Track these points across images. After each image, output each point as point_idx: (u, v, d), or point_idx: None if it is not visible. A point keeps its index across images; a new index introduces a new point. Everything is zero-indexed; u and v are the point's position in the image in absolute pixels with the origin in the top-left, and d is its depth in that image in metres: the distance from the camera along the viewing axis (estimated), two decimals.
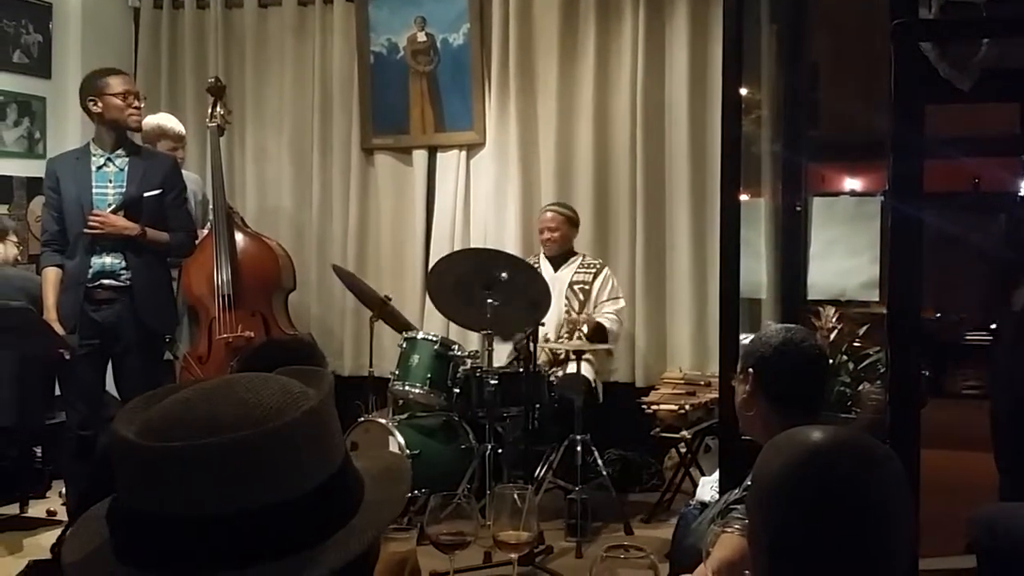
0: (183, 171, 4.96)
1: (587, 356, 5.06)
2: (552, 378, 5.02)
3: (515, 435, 4.80)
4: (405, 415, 5.00)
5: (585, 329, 5.22)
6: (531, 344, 4.66)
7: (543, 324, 4.82)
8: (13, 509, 5.03)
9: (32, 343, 4.53)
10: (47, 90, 5.99)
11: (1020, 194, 8.37)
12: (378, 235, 6.25)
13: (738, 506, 2.17)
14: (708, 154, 5.48)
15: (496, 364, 4.82)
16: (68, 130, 5.93)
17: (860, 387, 4.04)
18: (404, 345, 4.97)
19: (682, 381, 5.30)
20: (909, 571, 1.89)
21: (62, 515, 4.81)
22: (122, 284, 4.41)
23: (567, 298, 5.35)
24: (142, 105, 4.55)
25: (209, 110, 5.40)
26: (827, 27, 5.57)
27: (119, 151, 4.47)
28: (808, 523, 1.27)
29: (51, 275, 4.44)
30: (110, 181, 4.44)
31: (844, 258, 4.55)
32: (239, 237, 5.35)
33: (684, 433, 4.90)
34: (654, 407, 4.95)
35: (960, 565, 3.44)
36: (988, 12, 2.66)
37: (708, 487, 3.48)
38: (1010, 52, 2.70)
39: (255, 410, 0.99)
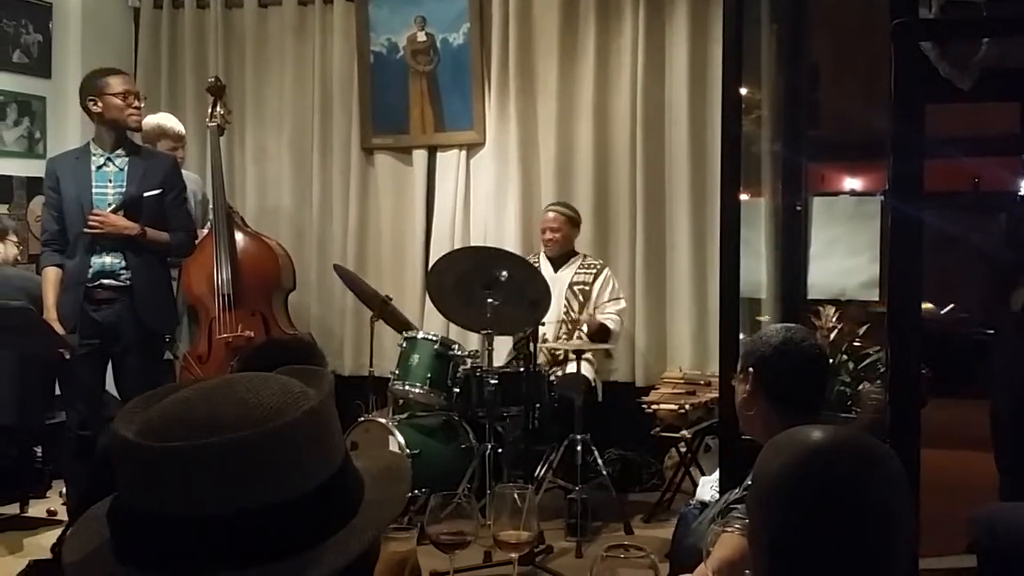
0: (183, 171, 4.96)
1: (587, 356, 5.07)
2: (552, 378, 5.02)
3: (515, 435, 4.80)
4: (405, 415, 5.00)
5: (585, 329, 5.22)
6: (531, 343, 4.66)
7: (543, 324, 4.82)
8: (13, 509, 5.03)
9: (32, 343, 4.53)
10: (47, 90, 5.99)
11: (1020, 194, 8.37)
12: (378, 235, 6.25)
13: (738, 506, 2.17)
14: (708, 154, 5.48)
15: (496, 364, 4.82)
16: (68, 130, 5.93)
17: (860, 387, 4.04)
18: (404, 345, 4.97)
19: (682, 381, 5.30)
20: (909, 571, 1.89)
21: (62, 515, 4.81)
22: (122, 284, 4.41)
23: (567, 299, 5.35)
24: (142, 105, 4.55)
25: (209, 110, 5.40)
26: (827, 27, 5.57)
27: (119, 151, 4.47)
28: (808, 523, 1.27)
29: (51, 275, 4.45)
30: (110, 181, 4.44)
31: (844, 258, 4.55)
32: (239, 237, 5.35)
33: (684, 433, 4.90)
34: (654, 407, 4.95)
35: (960, 565, 3.44)
36: (988, 12, 2.66)
37: (708, 487, 3.48)
38: (1011, 52, 2.69)
39: (255, 410, 0.98)
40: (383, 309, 5.24)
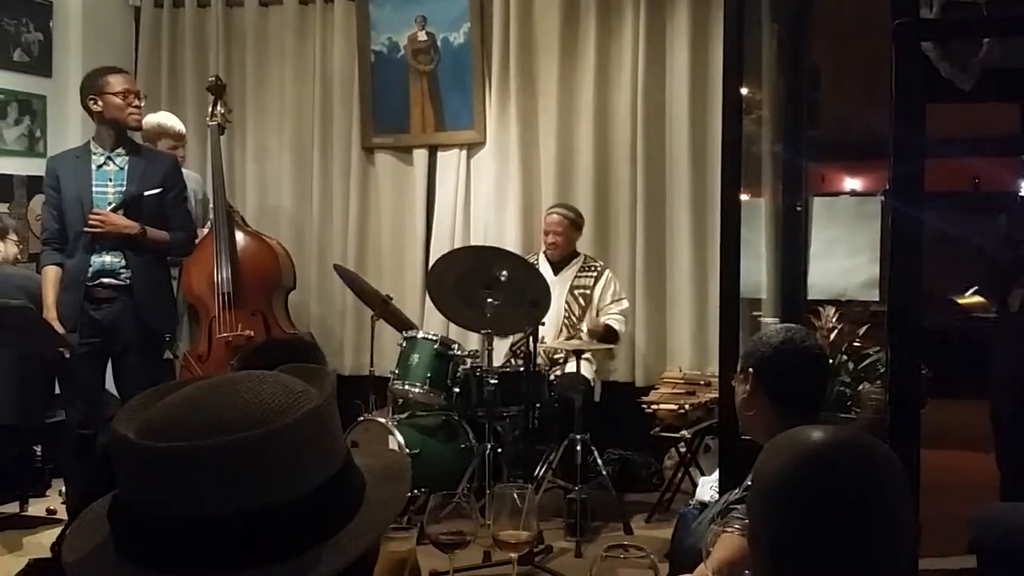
0: (183, 170, 4.96)
1: (586, 356, 5.06)
2: (552, 377, 5.02)
3: (515, 434, 4.80)
4: (405, 414, 5.00)
5: (585, 329, 5.21)
6: (531, 343, 4.66)
7: (543, 323, 4.81)
8: (13, 507, 5.03)
9: (32, 341, 4.54)
10: (47, 89, 5.99)
11: (1021, 194, 8.37)
12: (378, 234, 6.25)
13: (738, 506, 2.17)
14: (709, 154, 5.48)
15: (496, 364, 4.82)
16: (68, 129, 5.93)
17: (860, 387, 4.04)
18: (404, 344, 4.97)
19: (682, 381, 5.30)
20: (909, 571, 1.89)
21: (62, 514, 4.81)
22: (122, 283, 4.41)
23: (567, 303, 5.34)
24: (142, 104, 4.55)
25: (209, 109, 5.40)
26: (828, 27, 5.57)
27: (119, 150, 4.47)
28: (808, 523, 1.27)
29: (51, 273, 4.45)
30: (110, 180, 4.44)
31: (844, 258, 4.55)
32: (239, 236, 5.35)
33: (684, 433, 4.90)
34: (654, 407, 4.96)
35: (961, 565, 3.44)
36: (989, 12, 2.66)
37: (708, 487, 3.48)
38: (1011, 51, 2.69)
39: (256, 410, 0.98)
40: (383, 308, 5.24)
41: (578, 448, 4.67)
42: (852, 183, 10.41)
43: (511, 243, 5.80)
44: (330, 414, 1.04)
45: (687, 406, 4.90)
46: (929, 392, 3.58)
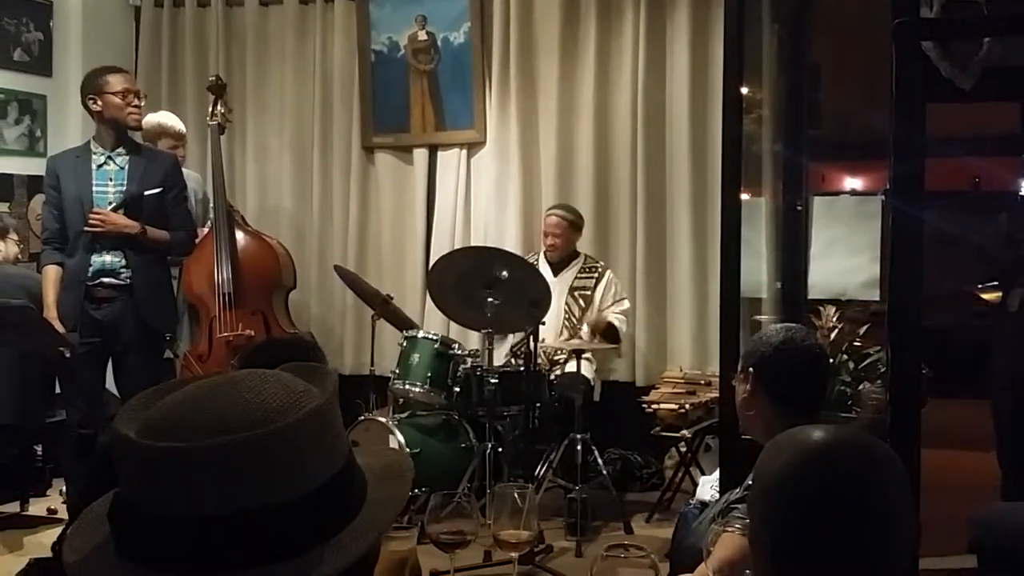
0: (183, 169, 4.96)
1: (586, 356, 5.06)
2: (552, 377, 5.02)
3: (515, 434, 4.80)
4: (405, 414, 5.00)
5: (586, 329, 5.20)
6: (531, 343, 4.66)
7: (544, 323, 4.81)
8: (14, 507, 5.03)
9: (32, 341, 4.54)
10: (48, 88, 5.99)
11: (1021, 193, 8.37)
12: (378, 234, 6.25)
13: (739, 505, 2.17)
14: (709, 153, 5.48)
15: (496, 363, 4.82)
16: (69, 128, 5.93)
17: (860, 386, 4.04)
18: (404, 344, 4.97)
19: (682, 380, 5.30)
20: (910, 570, 1.89)
21: (62, 513, 4.81)
22: (122, 282, 4.41)
23: (567, 304, 5.33)
24: (142, 104, 4.54)
25: (210, 108, 5.40)
26: (828, 26, 5.57)
27: (119, 149, 4.47)
28: (809, 523, 1.27)
29: (51, 273, 4.45)
30: (111, 179, 4.44)
31: (845, 257, 4.55)
32: (239, 235, 5.35)
33: (684, 432, 4.90)
34: (654, 406, 4.95)
35: (961, 565, 3.44)
36: (989, 11, 2.66)
37: (708, 486, 3.48)
38: (1012, 51, 2.69)
39: (257, 410, 0.98)
40: (384, 308, 5.24)
41: (578, 448, 4.67)
42: (852, 182, 10.41)
43: (511, 243, 5.80)
44: (332, 413, 1.04)
45: (687, 406, 4.90)
46: (943, 391, 3.59)
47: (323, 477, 0.99)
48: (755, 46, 4.30)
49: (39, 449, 5.40)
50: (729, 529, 2.06)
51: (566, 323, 5.33)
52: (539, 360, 5.00)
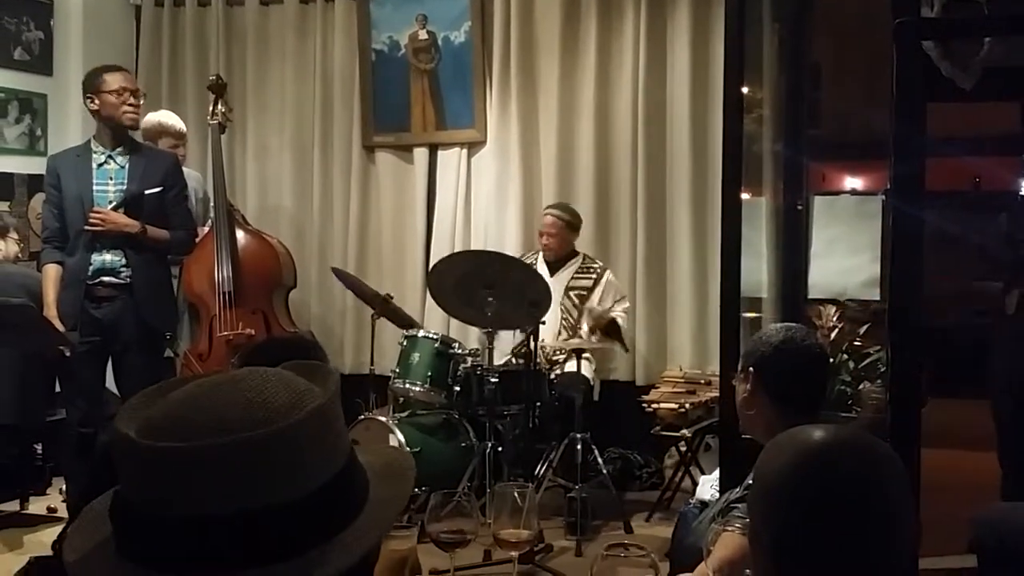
0: (184, 168, 4.96)
1: (586, 355, 5.06)
2: (552, 376, 5.02)
3: (515, 433, 4.80)
4: (405, 413, 5.00)
5: (585, 328, 5.20)
6: (532, 342, 4.66)
7: (544, 323, 4.81)
8: (14, 506, 5.03)
9: (33, 340, 4.53)
10: (48, 87, 5.99)
11: (1021, 193, 8.37)
12: (379, 233, 6.25)
13: (739, 505, 2.17)
14: (709, 153, 5.48)
15: (496, 362, 4.82)
16: (69, 127, 5.93)
17: (861, 386, 4.05)
18: (404, 343, 4.97)
19: (682, 380, 5.30)
20: (910, 570, 1.89)
21: (62, 512, 4.82)
22: (122, 281, 4.41)
23: (563, 305, 5.32)
24: (140, 103, 4.51)
25: (210, 108, 5.40)
26: (829, 26, 5.57)
27: (119, 148, 4.47)
28: (809, 522, 1.27)
29: (51, 272, 4.45)
30: (111, 178, 4.44)
31: (845, 257, 4.54)
32: (240, 234, 5.35)
33: (684, 432, 4.90)
34: (654, 405, 4.96)
35: (961, 564, 3.44)
36: (990, 11, 2.66)
37: (708, 486, 3.48)
38: (1012, 51, 2.69)
39: (259, 410, 0.97)
40: (384, 307, 5.24)
41: (578, 447, 4.67)
42: (853, 182, 10.41)
43: (511, 242, 5.80)
44: (334, 413, 1.04)
45: (687, 405, 4.90)
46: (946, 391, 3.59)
47: (325, 477, 0.99)
48: (756, 45, 4.29)
49: (39, 448, 5.40)
50: (729, 528, 2.07)
51: (564, 323, 5.32)
52: (538, 360, 5.00)
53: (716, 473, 3.36)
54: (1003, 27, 2.70)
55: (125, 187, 4.42)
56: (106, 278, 4.40)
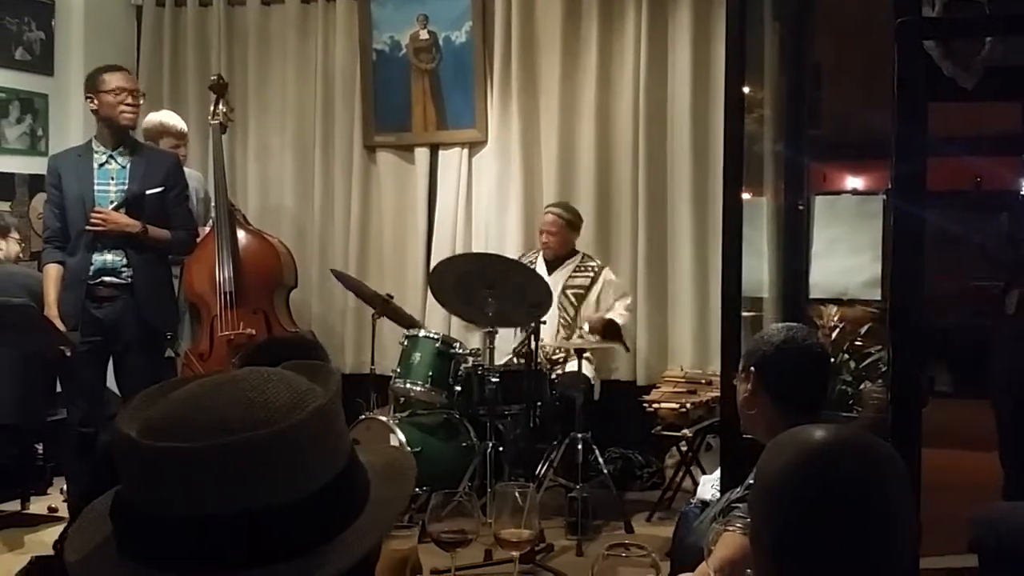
0: (185, 168, 4.96)
1: (587, 355, 5.06)
2: (553, 376, 5.02)
3: (516, 433, 4.80)
4: (406, 413, 5.00)
5: (587, 327, 5.20)
6: (532, 341, 4.66)
7: (545, 322, 4.81)
8: (15, 505, 5.04)
9: (33, 340, 4.53)
10: (49, 87, 5.99)
11: (1022, 193, 8.36)
12: (380, 233, 6.25)
13: (740, 505, 2.17)
14: (710, 153, 5.48)
15: (497, 362, 4.82)
16: (70, 127, 5.94)
17: (862, 386, 4.04)
18: (405, 343, 4.97)
19: (683, 379, 5.30)
20: (911, 570, 1.89)
21: (63, 512, 4.82)
22: (123, 281, 4.41)
23: (560, 303, 5.32)
24: (138, 102, 4.49)
25: (211, 107, 5.40)
26: (830, 25, 5.56)
27: (120, 148, 4.47)
28: (810, 522, 1.27)
29: (52, 272, 4.45)
30: (112, 178, 4.44)
31: (846, 257, 4.54)
32: (241, 234, 5.35)
33: (685, 431, 4.90)
34: (655, 405, 4.96)
35: (962, 564, 3.44)
36: (991, 10, 2.66)
37: (709, 486, 3.48)
38: (1013, 50, 2.69)
39: (260, 410, 0.97)
40: (385, 307, 5.24)
41: (579, 447, 4.67)
42: (854, 182, 10.39)
43: (512, 242, 5.80)
44: (335, 413, 1.04)
45: (688, 405, 4.90)
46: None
47: (326, 477, 0.99)
48: (757, 45, 4.29)
49: (40, 448, 5.41)
50: (730, 528, 2.06)
51: (561, 321, 5.32)
52: (539, 360, 5.00)
53: (717, 473, 3.36)
54: (1004, 26, 2.70)
55: (126, 187, 4.42)
56: (107, 278, 4.40)
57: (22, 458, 5.22)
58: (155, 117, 5.37)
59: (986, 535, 3.08)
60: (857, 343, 4.27)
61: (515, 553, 2.08)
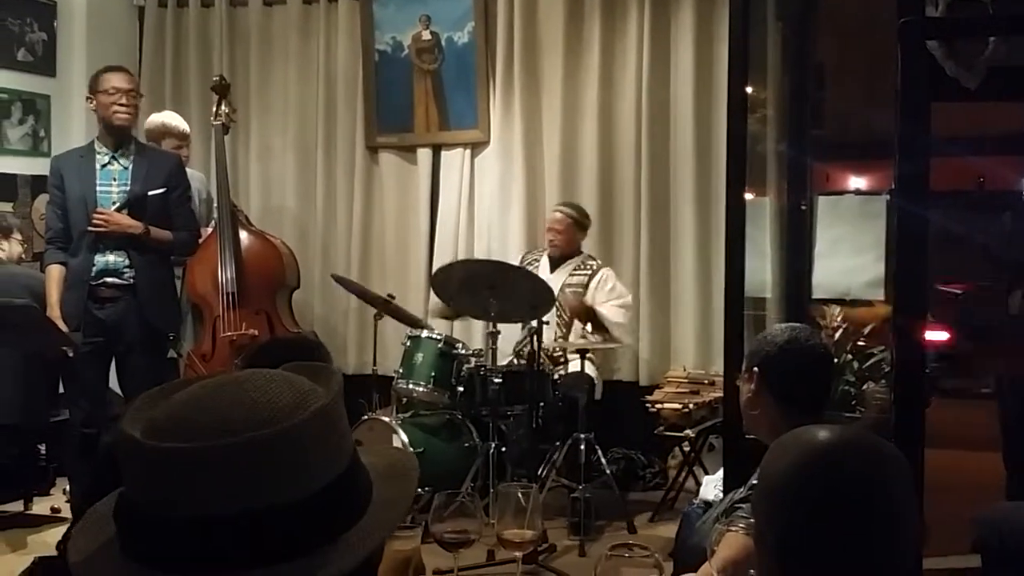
0: (187, 169, 4.96)
1: (589, 355, 5.06)
2: (556, 376, 5.02)
3: (519, 433, 4.79)
4: (409, 413, 5.00)
5: (577, 324, 5.19)
6: (535, 342, 4.65)
7: (547, 322, 4.81)
8: (17, 506, 5.04)
9: (36, 340, 4.54)
10: (52, 88, 5.99)
11: None
12: (382, 233, 6.25)
13: (743, 505, 2.17)
14: (713, 153, 5.48)
15: (500, 363, 4.82)
16: (72, 128, 5.94)
17: (865, 386, 4.04)
18: (408, 343, 4.97)
19: (686, 380, 5.29)
20: (914, 570, 1.89)
21: (66, 512, 4.82)
22: (125, 282, 4.41)
23: (558, 300, 5.31)
24: (133, 103, 4.47)
25: (214, 108, 5.41)
26: (833, 26, 5.56)
27: (122, 149, 4.47)
28: (814, 522, 1.26)
29: (55, 272, 4.45)
30: (114, 179, 4.44)
31: (849, 257, 4.54)
32: (243, 235, 5.35)
33: (688, 432, 4.89)
34: (658, 406, 4.95)
35: (965, 564, 3.44)
36: (995, 10, 2.65)
37: (712, 486, 3.48)
38: (1017, 50, 2.68)
39: (264, 410, 0.97)
40: (387, 307, 5.24)
41: (582, 447, 4.66)
42: (857, 182, 10.39)
43: (515, 242, 5.80)
44: (337, 413, 1.04)
45: (691, 405, 4.89)
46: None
47: (328, 477, 0.99)
48: (760, 45, 4.29)
49: (43, 448, 5.40)
50: (733, 529, 2.06)
51: (559, 319, 5.32)
52: (542, 360, 5.00)
53: (720, 473, 3.36)
54: (1008, 26, 2.70)
55: (128, 188, 4.42)
56: (109, 279, 4.41)
57: (24, 459, 5.22)
58: (157, 118, 5.37)
59: (989, 535, 3.07)
60: (860, 343, 4.27)
61: (518, 554, 2.08)
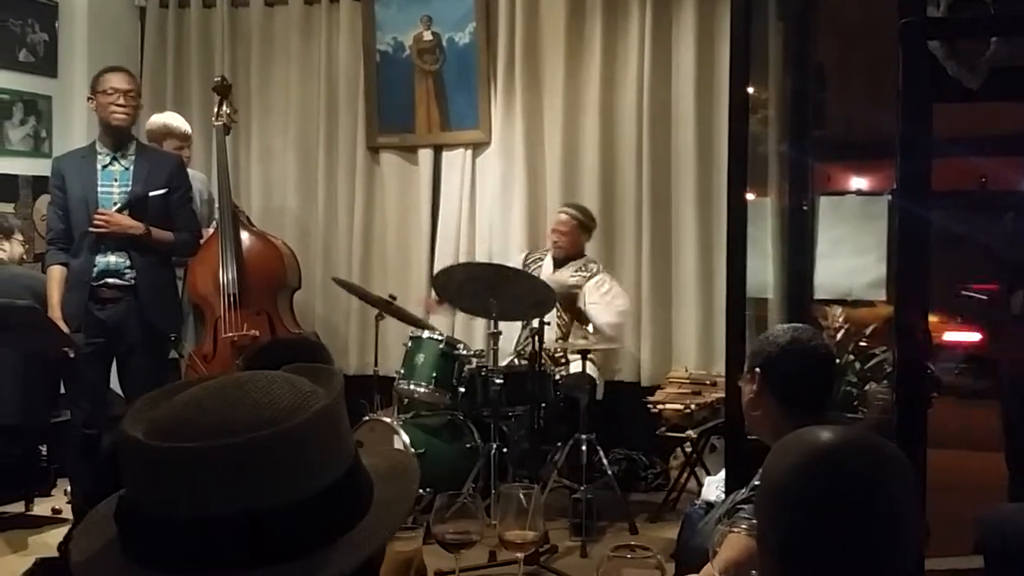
0: (189, 170, 4.96)
1: (591, 356, 5.06)
2: (557, 377, 5.02)
3: (520, 434, 4.80)
4: (410, 414, 5.00)
5: (567, 316, 5.19)
6: (536, 342, 4.65)
7: (548, 323, 4.81)
8: (18, 507, 5.04)
9: (37, 341, 4.54)
10: (53, 89, 5.99)
11: None
12: (383, 234, 6.26)
13: (745, 506, 2.17)
14: (715, 153, 5.47)
15: (501, 363, 4.82)
16: (74, 129, 5.94)
17: (867, 387, 4.03)
18: (410, 344, 4.97)
19: (688, 381, 5.29)
20: (916, 571, 1.89)
21: (67, 513, 4.82)
22: (127, 283, 4.41)
23: (557, 303, 5.31)
24: (131, 103, 4.47)
25: (215, 109, 5.41)
26: (835, 26, 5.55)
27: (123, 150, 4.47)
28: (816, 523, 1.26)
29: (56, 273, 4.45)
30: (115, 180, 4.44)
31: (851, 257, 4.53)
32: (244, 236, 5.35)
33: (690, 433, 4.90)
34: (660, 406, 4.95)
35: (967, 565, 3.43)
36: (997, 10, 2.65)
37: (713, 487, 3.47)
38: (1018, 50, 2.68)
39: (265, 411, 0.98)
40: (388, 308, 5.24)
41: (583, 448, 4.66)
42: (858, 182, 10.38)
43: (516, 243, 5.80)
44: (339, 414, 1.04)
45: (693, 406, 4.89)
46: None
47: (330, 478, 0.99)
48: (761, 46, 4.29)
49: (44, 449, 5.41)
50: (735, 529, 2.06)
51: (558, 320, 5.32)
52: (543, 360, 5.00)
53: (722, 474, 3.35)
54: (1009, 27, 2.69)
55: (129, 189, 4.42)
56: (110, 280, 4.41)
57: (26, 459, 5.22)
58: (159, 119, 5.37)
59: (991, 536, 3.07)
60: (862, 344, 4.26)
61: (519, 554, 2.08)
